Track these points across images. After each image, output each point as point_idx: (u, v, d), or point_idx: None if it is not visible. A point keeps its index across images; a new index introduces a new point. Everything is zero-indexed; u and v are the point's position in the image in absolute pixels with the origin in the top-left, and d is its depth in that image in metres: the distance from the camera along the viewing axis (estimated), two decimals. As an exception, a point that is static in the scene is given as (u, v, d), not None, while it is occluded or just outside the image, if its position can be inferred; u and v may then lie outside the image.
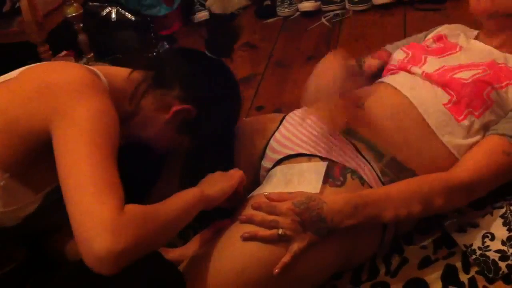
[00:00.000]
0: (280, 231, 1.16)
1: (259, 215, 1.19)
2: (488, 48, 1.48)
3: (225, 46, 1.34)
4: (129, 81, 1.23)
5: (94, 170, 0.98)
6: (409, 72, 1.46)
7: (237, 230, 1.20)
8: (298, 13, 2.83)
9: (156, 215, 1.02)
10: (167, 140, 1.28)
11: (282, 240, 1.17)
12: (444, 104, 1.35)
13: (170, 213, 1.06)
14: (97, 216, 0.94)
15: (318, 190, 1.23)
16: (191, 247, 1.34)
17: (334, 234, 1.19)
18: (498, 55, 1.45)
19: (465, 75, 1.38)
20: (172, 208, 1.07)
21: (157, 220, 1.02)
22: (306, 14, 2.80)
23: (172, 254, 1.32)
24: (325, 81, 1.30)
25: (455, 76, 1.38)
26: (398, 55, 1.55)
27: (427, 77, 1.41)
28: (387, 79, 1.48)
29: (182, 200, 1.11)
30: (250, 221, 1.19)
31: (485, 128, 1.35)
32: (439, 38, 1.57)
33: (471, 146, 1.33)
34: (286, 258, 1.16)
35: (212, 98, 1.27)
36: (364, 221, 1.20)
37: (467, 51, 1.49)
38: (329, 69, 1.32)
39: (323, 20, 2.73)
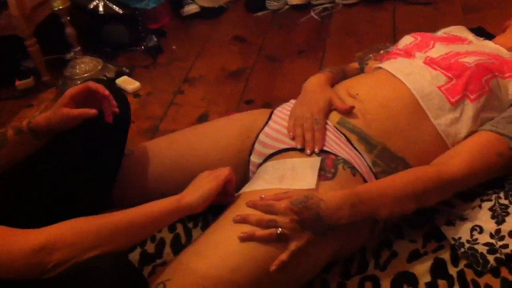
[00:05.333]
0: (279, 231, 1.14)
1: (255, 215, 1.17)
2: (497, 46, 1.51)
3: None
4: None
5: None
6: (413, 57, 1.46)
7: (232, 228, 1.17)
8: (287, 6, 2.83)
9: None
10: None
11: (281, 240, 1.15)
12: (439, 87, 1.36)
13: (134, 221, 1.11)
14: None
15: (314, 186, 1.23)
16: None
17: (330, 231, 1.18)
18: (506, 53, 1.47)
19: (469, 60, 1.39)
20: (136, 217, 1.12)
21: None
22: (295, 7, 2.79)
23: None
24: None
25: (460, 60, 1.40)
26: (406, 40, 1.56)
27: (430, 61, 1.42)
28: (385, 65, 1.48)
29: (154, 210, 1.14)
30: (245, 221, 1.17)
31: (477, 117, 1.36)
32: (448, 34, 1.60)
33: (461, 133, 1.34)
34: (284, 256, 1.14)
35: None
36: (360, 218, 1.20)
37: (476, 45, 1.51)
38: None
39: (312, 13, 2.72)
